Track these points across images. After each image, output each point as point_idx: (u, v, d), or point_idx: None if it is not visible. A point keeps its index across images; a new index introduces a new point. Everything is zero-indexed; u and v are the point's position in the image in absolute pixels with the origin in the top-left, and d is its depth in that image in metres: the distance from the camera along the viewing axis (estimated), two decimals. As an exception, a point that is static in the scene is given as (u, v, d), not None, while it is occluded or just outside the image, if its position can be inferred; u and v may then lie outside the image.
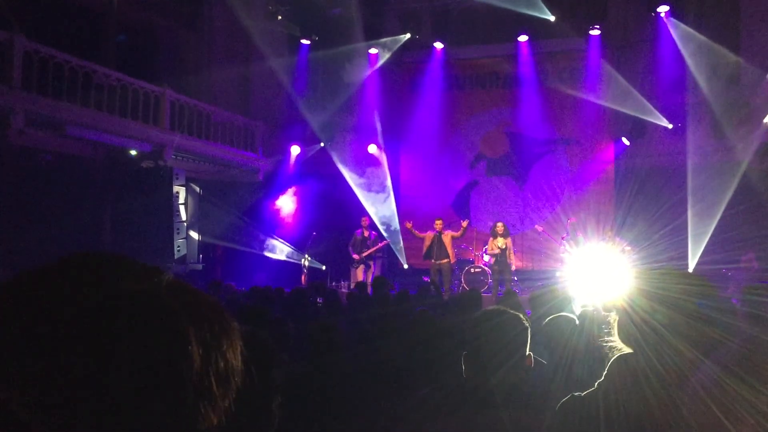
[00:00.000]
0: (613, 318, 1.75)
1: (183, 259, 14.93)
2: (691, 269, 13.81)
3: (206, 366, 0.73)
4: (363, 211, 16.02)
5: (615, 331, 1.72)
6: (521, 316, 2.03)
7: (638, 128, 15.19)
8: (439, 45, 16.71)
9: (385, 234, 16.27)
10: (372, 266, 14.12)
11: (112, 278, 0.75)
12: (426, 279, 12.48)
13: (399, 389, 3.03)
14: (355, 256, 13.99)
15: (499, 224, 13.28)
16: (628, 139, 15.37)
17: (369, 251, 13.99)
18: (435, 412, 1.90)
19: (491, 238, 13.35)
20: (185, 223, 15.07)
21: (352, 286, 12.38)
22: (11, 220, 12.75)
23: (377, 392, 3.16)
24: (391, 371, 3.44)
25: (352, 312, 7.46)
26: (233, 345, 0.78)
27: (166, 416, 0.70)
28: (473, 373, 1.95)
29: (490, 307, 2.10)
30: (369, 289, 9.52)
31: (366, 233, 14.15)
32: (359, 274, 13.81)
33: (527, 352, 2.00)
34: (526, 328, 2.03)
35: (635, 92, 14.99)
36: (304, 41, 16.99)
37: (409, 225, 13.48)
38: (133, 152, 13.65)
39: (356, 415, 3.00)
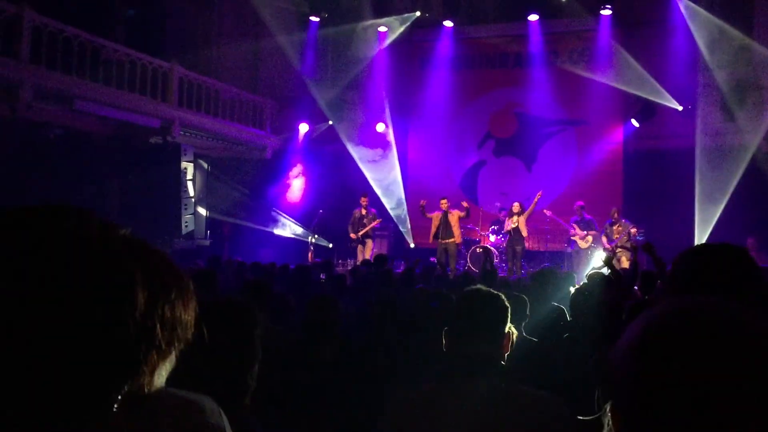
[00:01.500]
0: None
1: (191, 235, 15.03)
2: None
3: (151, 310, 0.77)
4: (370, 190, 16.05)
5: None
6: (501, 296, 2.09)
7: (648, 110, 15.06)
8: (448, 23, 16.59)
9: (391, 213, 16.31)
10: (371, 244, 14.09)
11: (68, 224, 0.79)
12: (432, 259, 12.51)
13: (389, 360, 3.08)
14: (352, 236, 14.00)
15: (516, 204, 13.31)
16: (638, 121, 15.26)
17: (364, 230, 13.98)
18: (415, 379, 1.95)
19: (509, 218, 13.37)
20: (193, 199, 15.15)
21: (358, 263, 12.43)
22: (19, 193, 12.86)
23: (367, 362, 3.22)
24: (384, 345, 3.49)
25: (355, 289, 7.53)
26: (185, 299, 0.82)
27: (109, 350, 0.74)
28: (451, 345, 2.00)
29: (472, 287, 2.15)
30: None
31: (364, 211, 14.12)
32: (359, 253, 13.86)
33: (507, 329, 2.05)
34: (506, 308, 2.08)
35: (645, 73, 14.86)
36: (314, 18, 16.92)
37: (422, 203, 13.49)
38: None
39: (347, 383, 3.05)
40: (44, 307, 0.71)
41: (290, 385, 3.26)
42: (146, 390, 0.79)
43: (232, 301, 1.75)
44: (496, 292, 2.11)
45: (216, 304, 1.67)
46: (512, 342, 2.06)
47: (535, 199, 13.03)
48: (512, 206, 13.35)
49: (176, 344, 0.81)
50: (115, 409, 0.76)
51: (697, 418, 0.70)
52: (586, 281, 5.62)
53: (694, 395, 0.71)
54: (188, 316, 0.83)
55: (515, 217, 13.17)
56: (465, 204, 13.45)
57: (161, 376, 0.83)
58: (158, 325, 0.77)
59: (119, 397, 0.76)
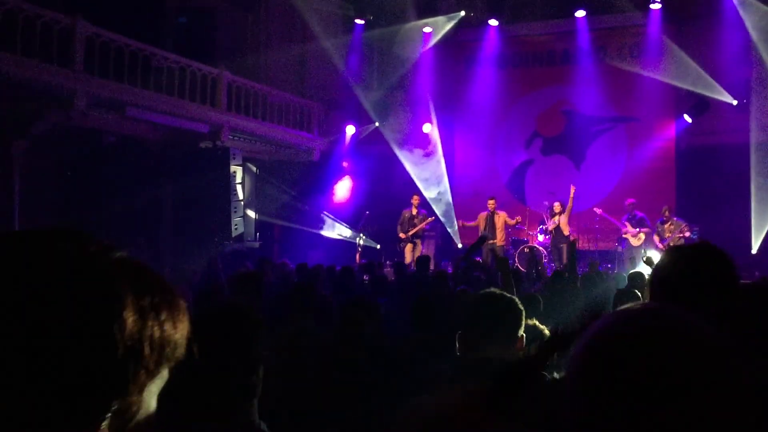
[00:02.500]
0: None
1: (240, 237, 15.27)
2: (755, 250, 13.41)
3: (140, 331, 0.78)
4: (417, 191, 16.06)
5: None
6: (515, 299, 2.09)
7: (701, 105, 14.68)
8: (493, 22, 16.48)
9: (438, 213, 16.28)
10: (420, 245, 14.09)
11: (62, 246, 0.82)
12: (478, 259, 12.45)
13: (422, 363, 3.10)
14: (402, 235, 13.98)
15: (556, 204, 13.28)
16: (690, 117, 14.88)
17: (414, 229, 13.96)
18: (430, 384, 1.97)
19: (551, 218, 13.36)
20: (242, 202, 15.38)
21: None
22: (76, 199, 13.31)
23: (401, 365, 3.24)
24: (419, 348, 3.51)
25: (399, 291, 7.57)
26: (175, 318, 0.83)
27: (96, 369, 0.77)
28: (464, 350, 2.01)
29: (486, 291, 2.15)
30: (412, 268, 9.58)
31: (414, 211, 14.11)
32: (407, 253, 13.81)
33: (520, 334, 2.05)
34: (521, 311, 2.08)
35: (698, 68, 14.49)
36: (359, 21, 17.03)
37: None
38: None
39: (376, 386, 3.08)
40: (29, 327, 0.74)
41: (323, 385, 3.31)
42: (134, 408, 0.81)
43: (232, 306, 1.80)
44: (509, 295, 2.11)
45: (217, 311, 1.73)
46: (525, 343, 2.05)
47: (571, 195, 12.91)
48: (553, 206, 13.29)
49: (165, 363, 0.83)
50: (102, 428, 0.77)
51: (638, 423, 0.71)
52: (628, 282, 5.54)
53: (632, 400, 0.71)
54: (178, 335, 0.84)
55: (556, 217, 13.15)
56: (519, 219, 13.43)
57: (151, 394, 0.84)
58: (147, 346, 0.79)
59: (107, 416, 0.78)
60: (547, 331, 2.80)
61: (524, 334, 2.05)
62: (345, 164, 17.39)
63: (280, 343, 4.04)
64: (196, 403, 1.66)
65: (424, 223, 14.08)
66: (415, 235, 13.99)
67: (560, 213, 13.15)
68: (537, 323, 2.84)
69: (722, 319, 1.45)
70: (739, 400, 0.72)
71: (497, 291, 2.13)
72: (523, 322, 2.07)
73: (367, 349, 3.62)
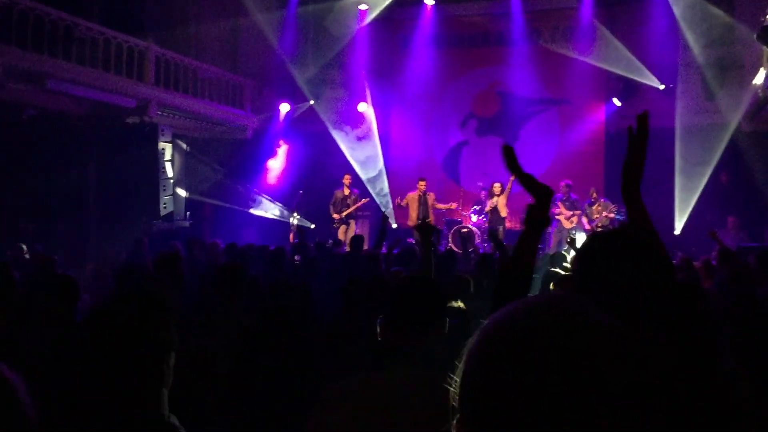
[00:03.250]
0: None
1: (170, 216, 14.87)
2: (678, 231, 13.85)
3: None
4: (351, 170, 15.95)
5: None
6: (436, 285, 2.04)
7: (630, 89, 15.01)
8: (429, 1, 16.40)
9: (372, 193, 16.21)
10: (353, 225, 14.04)
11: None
12: (410, 240, 12.46)
13: (353, 347, 3.02)
14: (335, 216, 13.88)
15: (496, 184, 13.36)
16: (619, 100, 15.20)
17: (348, 210, 13.89)
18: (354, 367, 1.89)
19: (489, 199, 13.44)
20: (172, 180, 14.96)
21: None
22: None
23: (331, 349, 3.16)
24: (351, 331, 3.42)
25: (330, 272, 7.46)
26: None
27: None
28: (385, 335, 1.95)
29: (407, 276, 2.10)
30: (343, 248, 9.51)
31: (347, 192, 14.03)
32: (340, 234, 13.71)
33: (442, 321, 2.00)
34: (442, 298, 2.03)
35: (627, 52, 14.79)
36: (293, -5, 16.69)
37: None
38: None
39: (300, 371, 2.98)
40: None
41: (248, 369, 3.19)
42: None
43: (137, 293, 1.67)
44: (432, 280, 2.05)
45: (120, 298, 1.61)
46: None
47: (511, 179, 13.04)
48: (492, 186, 13.37)
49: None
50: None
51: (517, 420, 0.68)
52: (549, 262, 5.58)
53: (513, 395, 0.68)
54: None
55: (495, 198, 13.22)
56: (453, 205, 13.53)
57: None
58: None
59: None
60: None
61: (447, 319, 1.99)
62: (281, 144, 17.09)
63: (202, 326, 3.89)
64: (99, 393, 1.54)
65: (358, 204, 14.01)
66: (348, 216, 13.91)
67: (499, 194, 13.24)
68: (462, 305, 2.79)
69: (638, 307, 1.42)
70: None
71: (419, 277, 2.06)
72: (444, 308, 2.01)
73: (294, 331, 3.52)
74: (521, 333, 0.71)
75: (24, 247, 9.64)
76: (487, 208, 13.36)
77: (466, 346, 0.78)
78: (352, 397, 1.79)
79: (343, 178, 14.27)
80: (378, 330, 1.96)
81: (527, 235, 1.82)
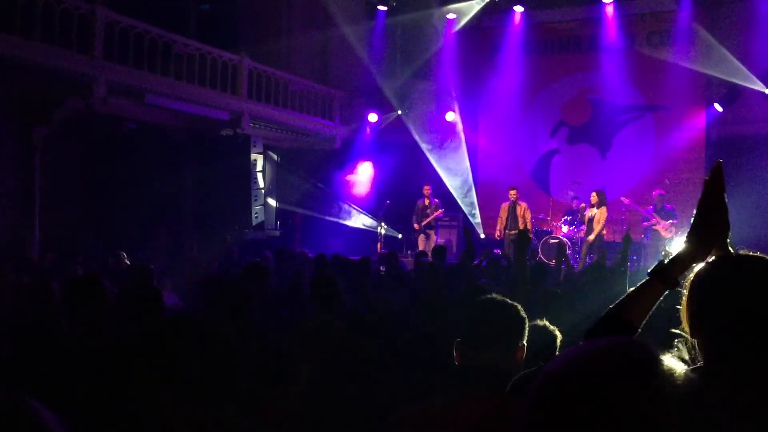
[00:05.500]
0: None
1: (261, 226, 15.25)
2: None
3: None
4: (439, 180, 15.90)
5: None
6: (517, 306, 1.93)
7: (732, 93, 14.26)
8: (519, 8, 16.15)
9: (460, 203, 16.10)
10: (433, 235, 14.04)
11: None
12: (497, 251, 12.25)
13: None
14: (415, 226, 13.99)
15: (594, 193, 12.98)
16: (721, 106, 14.46)
17: (427, 220, 13.93)
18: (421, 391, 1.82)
19: (588, 207, 13.08)
20: (263, 190, 15.34)
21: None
22: (96, 186, 13.36)
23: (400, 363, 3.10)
24: (424, 345, 3.35)
25: (416, 281, 7.41)
26: None
27: None
28: (461, 357, 1.87)
29: (488, 297, 2.00)
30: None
31: (427, 201, 14.07)
32: (420, 243, 13.77)
33: (521, 344, 1.90)
34: (523, 318, 1.92)
35: (729, 55, 14.04)
36: (381, 7, 16.80)
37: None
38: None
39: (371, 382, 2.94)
40: None
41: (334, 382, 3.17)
42: None
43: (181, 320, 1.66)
44: (511, 302, 1.95)
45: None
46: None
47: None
48: (590, 196, 13.04)
49: None
50: None
51: None
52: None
53: None
54: None
55: (593, 209, 12.86)
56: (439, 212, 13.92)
57: None
58: None
59: None
60: (557, 332, 2.62)
61: (525, 344, 1.89)
62: (362, 162, 17.18)
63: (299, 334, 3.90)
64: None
65: (436, 213, 14.01)
66: (428, 226, 13.95)
67: (596, 205, 12.84)
68: (548, 324, 2.66)
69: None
70: None
71: (499, 297, 1.97)
72: (526, 330, 1.91)
73: (377, 345, 3.48)
74: (575, 387, 0.65)
75: (124, 254, 10.04)
76: (587, 217, 12.97)
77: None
78: (430, 420, 1.72)
79: (423, 188, 14.29)
80: (454, 352, 1.89)
81: (646, 294, 1.46)
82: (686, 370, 0.67)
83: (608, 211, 13.12)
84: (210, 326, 1.61)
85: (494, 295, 1.99)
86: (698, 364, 1.31)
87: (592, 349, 0.70)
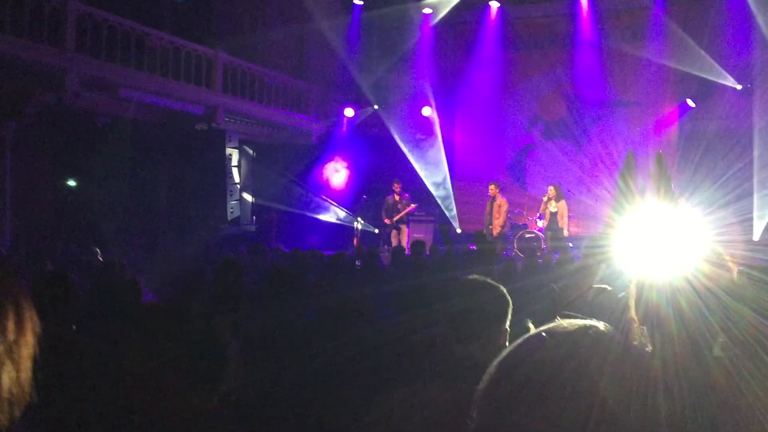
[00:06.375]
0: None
1: (236, 221, 15.15)
2: (756, 236, 13.23)
3: None
4: (415, 175, 15.91)
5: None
6: (501, 288, 1.91)
7: (704, 89, 14.44)
8: (495, 3, 16.20)
9: (437, 198, 16.13)
10: (405, 230, 14.04)
11: None
12: (472, 247, 12.28)
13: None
14: (387, 221, 13.98)
15: (551, 187, 13.12)
16: (694, 101, 14.64)
17: (399, 215, 13.93)
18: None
19: (543, 202, 13.22)
20: (238, 186, 15.25)
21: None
22: (71, 181, 13.16)
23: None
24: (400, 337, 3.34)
25: (391, 276, 7.40)
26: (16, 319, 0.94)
27: None
28: (447, 343, 1.85)
29: (469, 277, 1.97)
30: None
31: (397, 197, 14.06)
32: (393, 239, 13.80)
33: (505, 327, 1.87)
34: (507, 303, 1.90)
35: (702, 51, 14.21)
36: (357, 1, 16.76)
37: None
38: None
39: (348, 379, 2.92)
40: None
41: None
42: None
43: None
44: (494, 282, 1.92)
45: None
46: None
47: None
48: (548, 189, 13.20)
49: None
50: None
51: None
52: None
53: None
54: (11, 333, 0.98)
55: (552, 203, 13.03)
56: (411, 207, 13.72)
57: None
58: None
59: None
60: (530, 325, 2.63)
61: (508, 329, 1.87)
62: (346, 154, 17.12)
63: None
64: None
65: (408, 209, 14.01)
66: (399, 221, 13.93)
67: (555, 199, 13.02)
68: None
69: None
70: None
71: (479, 277, 1.93)
72: (509, 315, 1.89)
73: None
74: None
75: (98, 250, 9.91)
76: (544, 212, 13.12)
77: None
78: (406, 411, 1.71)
79: (393, 183, 14.26)
80: (438, 340, 1.86)
81: None
82: None
83: (580, 205, 13.26)
84: (198, 312, 1.60)
85: (476, 276, 1.95)
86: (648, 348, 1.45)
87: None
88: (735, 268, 1.94)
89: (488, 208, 13.35)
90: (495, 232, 13.07)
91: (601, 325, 0.91)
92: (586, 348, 0.85)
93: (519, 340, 0.90)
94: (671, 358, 1.49)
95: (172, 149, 14.16)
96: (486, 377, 0.91)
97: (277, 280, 4.62)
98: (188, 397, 1.50)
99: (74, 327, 3.01)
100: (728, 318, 1.67)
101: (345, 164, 17.30)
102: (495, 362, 0.91)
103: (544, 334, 0.89)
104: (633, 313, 1.68)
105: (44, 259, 8.60)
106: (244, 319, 4.40)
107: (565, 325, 0.89)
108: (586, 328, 0.89)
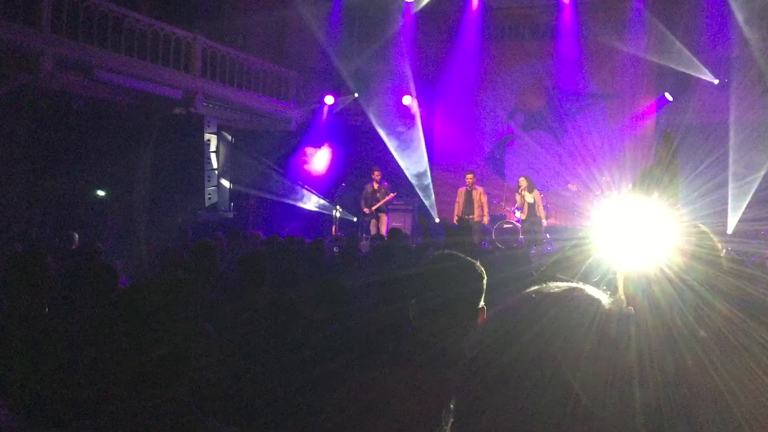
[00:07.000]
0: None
1: (214, 207, 15.04)
2: (730, 228, 13.41)
3: None
4: (394, 164, 15.89)
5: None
6: (477, 263, 1.88)
7: (682, 83, 14.58)
8: (477, -7, 16.20)
9: (416, 187, 16.13)
10: (384, 218, 14.01)
11: None
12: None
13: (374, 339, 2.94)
14: (366, 210, 13.91)
15: (522, 178, 13.21)
16: (672, 95, 14.78)
17: (377, 204, 13.88)
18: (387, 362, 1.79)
19: (517, 194, 13.31)
20: (216, 171, 15.13)
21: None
22: (45, 163, 12.96)
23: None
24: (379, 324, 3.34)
25: (368, 263, 7.40)
26: None
27: None
28: (419, 323, 1.82)
29: (442, 252, 1.95)
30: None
31: (376, 185, 13.99)
32: (372, 227, 13.75)
33: (481, 305, 1.84)
34: (481, 277, 1.86)
35: (680, 45, 14.34)
36: (339, -13, 16.65)
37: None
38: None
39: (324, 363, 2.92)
40: None
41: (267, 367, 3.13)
42: None
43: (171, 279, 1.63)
44: (470, 258, 1.89)
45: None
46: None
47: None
48: (518, 181, 13.31)
49: None
50: None
51: None
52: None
53: None
54: None
55: (526, 194, 13.13)
56: (390, 196, 13.72)
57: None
58: None
59: None
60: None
61: (484, 306, 1.84)
62: (325, 141, 17.03)
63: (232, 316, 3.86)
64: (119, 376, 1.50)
65: (387, 197, 13.96)
66: (378, 210, 13.89)
67: (528, 189, 13.13)
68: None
69: None
70: None
71: (453, 252, 1.90)
72: (484, 291, 1.85)
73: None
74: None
75: (75, 235, 9.78)
76: (522, 205, 13.21)
77: None
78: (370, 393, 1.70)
79: (373, 172, 14.19)
80: (411, 316, 1.82)
81: None
82: None
83: (558, 198, 13.37)
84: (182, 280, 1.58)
85: (450, 251, 1.92)
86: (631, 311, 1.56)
87: None
88: (723, 249, 1.95)
89: (464, 198, 13.37)
90: (486, 220, 13.22)
91: (587, 288, 0.93)
92: (570, 309, 0.87)
93: (508, 301, 0.92)
94: (646, 349, 1.51)
95: (149, 133, 13.99)
96: (464, 361, 0.92)
97: (248, 264, 4.57)
98: (161, 381, 1.47)
99: (46, 309, 2.97)
100: (702, 308, 1.70)
101: (324, 152, 17.23)
102: (479, 332, 0.92)
103: (534, 295, 0.91)
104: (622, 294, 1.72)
105: (15, 243, 8.48)
106: (218, 303, 4.39)
107: (552, 287, 0.92)
108: (572, 289, 0.92)
